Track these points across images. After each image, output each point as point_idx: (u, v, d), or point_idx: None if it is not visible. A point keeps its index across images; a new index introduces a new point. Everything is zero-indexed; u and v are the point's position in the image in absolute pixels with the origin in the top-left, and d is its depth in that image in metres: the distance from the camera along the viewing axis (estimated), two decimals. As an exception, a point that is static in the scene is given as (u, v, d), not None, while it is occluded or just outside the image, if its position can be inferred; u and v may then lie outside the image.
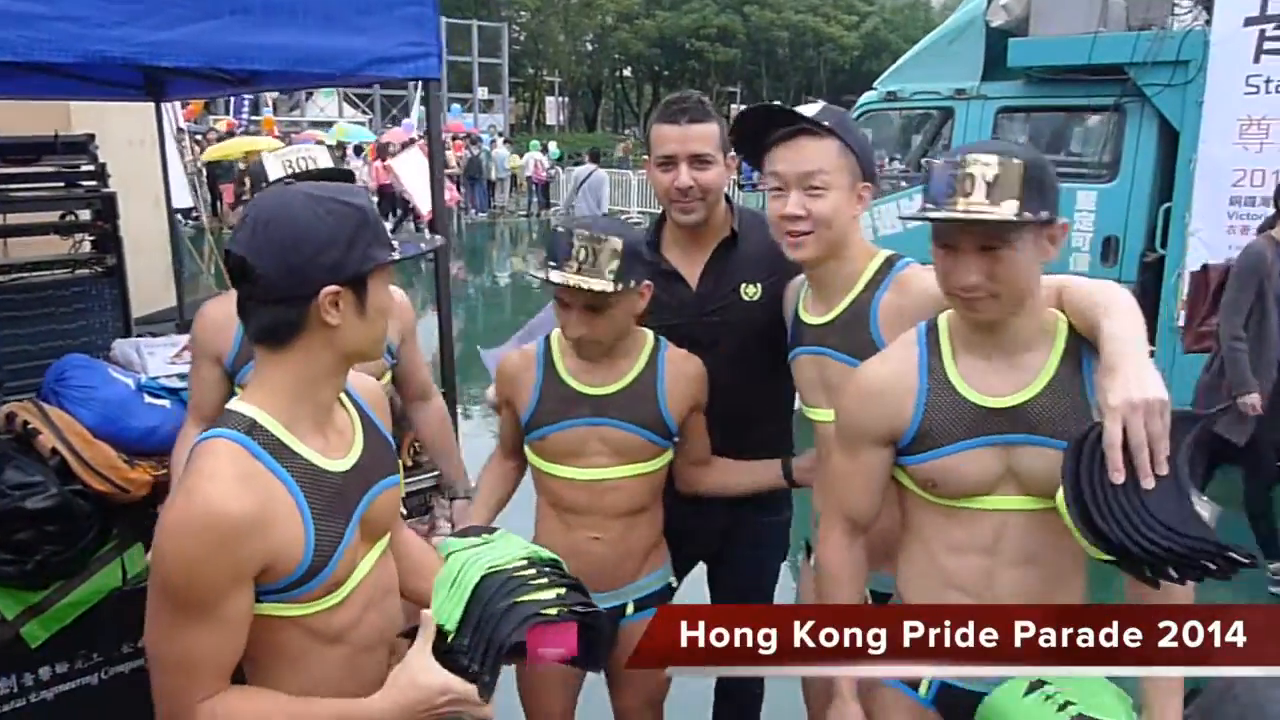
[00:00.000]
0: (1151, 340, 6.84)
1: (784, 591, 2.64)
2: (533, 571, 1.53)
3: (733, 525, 2.42)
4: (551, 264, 1.96)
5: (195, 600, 1.27)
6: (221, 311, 2.31)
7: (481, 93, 34.36)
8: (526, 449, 2.19)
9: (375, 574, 1.53)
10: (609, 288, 1.93)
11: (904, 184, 7.50)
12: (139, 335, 4.03)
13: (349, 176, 2.68)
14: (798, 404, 2.31)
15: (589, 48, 50.37)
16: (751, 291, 2.28)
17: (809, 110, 1.89)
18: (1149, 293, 6.52)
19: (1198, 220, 6.07)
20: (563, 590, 1.51)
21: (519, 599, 1.46)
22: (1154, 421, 1.36)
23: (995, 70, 7.03)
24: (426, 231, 12.71)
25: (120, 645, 2.73)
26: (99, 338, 4.03)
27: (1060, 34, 6.60)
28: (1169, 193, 6.34)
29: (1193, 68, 6.08)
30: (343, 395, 1.51)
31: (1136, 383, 1.39)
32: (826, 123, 1.87)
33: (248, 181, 2.39)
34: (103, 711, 2.70)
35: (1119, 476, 1.36)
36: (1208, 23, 6.09)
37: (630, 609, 2.18)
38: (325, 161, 2.41)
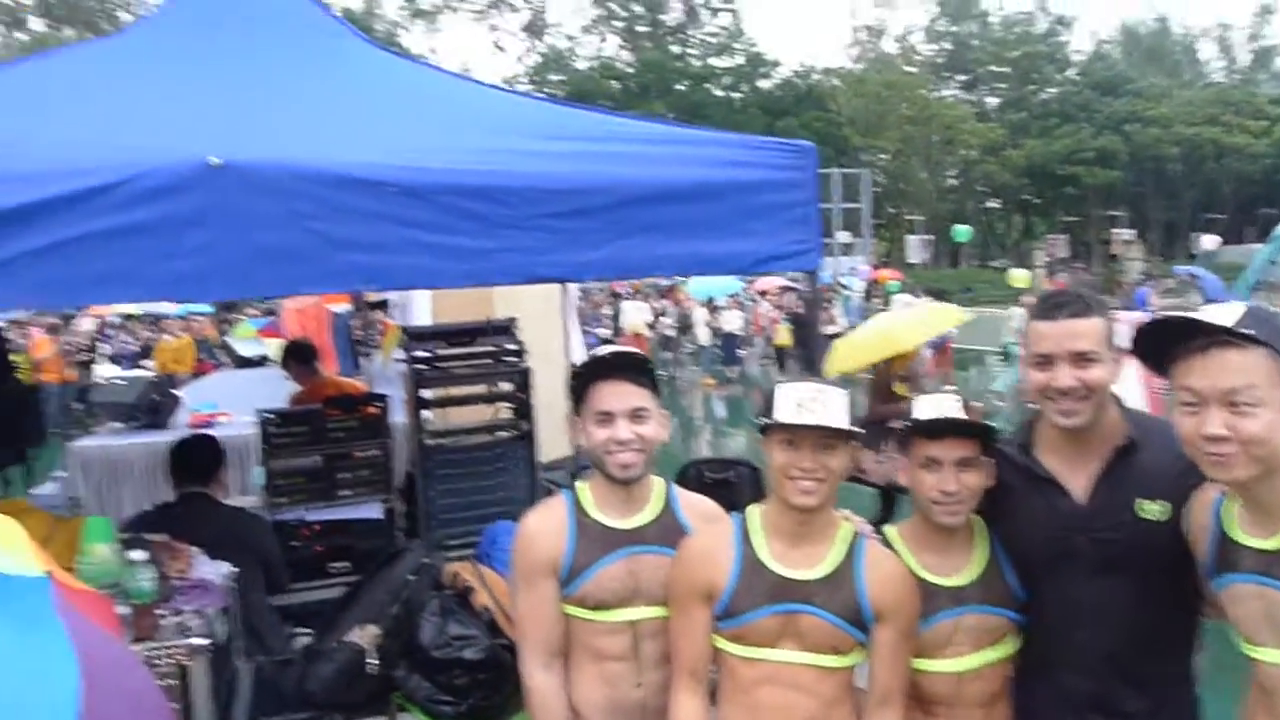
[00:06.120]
0: None
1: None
2: None
3: None
4: None
5: (675, 599, 2.08)
6: (553, 522, 2.20)
7: (843, 236, 34.92)
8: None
9: (792, 670, 1.98)
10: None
11: None
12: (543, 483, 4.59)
13: None
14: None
15: (952, 183, 49.81)
16: (1155, 510, 2.03)
17: (1228, 318, 1.69)
18: None
19: None
20: None
21: None
22: None
23: None
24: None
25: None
26: (512, 493, 4.62)
27: None
28: None
29: None
30: (845, 547, 2.04)
31: None
32: (1252, 332, 1.66)
33: None
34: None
35: None
36: None
37: None
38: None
